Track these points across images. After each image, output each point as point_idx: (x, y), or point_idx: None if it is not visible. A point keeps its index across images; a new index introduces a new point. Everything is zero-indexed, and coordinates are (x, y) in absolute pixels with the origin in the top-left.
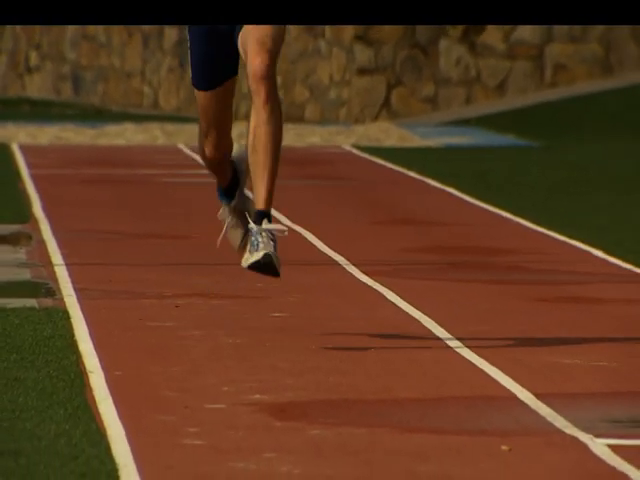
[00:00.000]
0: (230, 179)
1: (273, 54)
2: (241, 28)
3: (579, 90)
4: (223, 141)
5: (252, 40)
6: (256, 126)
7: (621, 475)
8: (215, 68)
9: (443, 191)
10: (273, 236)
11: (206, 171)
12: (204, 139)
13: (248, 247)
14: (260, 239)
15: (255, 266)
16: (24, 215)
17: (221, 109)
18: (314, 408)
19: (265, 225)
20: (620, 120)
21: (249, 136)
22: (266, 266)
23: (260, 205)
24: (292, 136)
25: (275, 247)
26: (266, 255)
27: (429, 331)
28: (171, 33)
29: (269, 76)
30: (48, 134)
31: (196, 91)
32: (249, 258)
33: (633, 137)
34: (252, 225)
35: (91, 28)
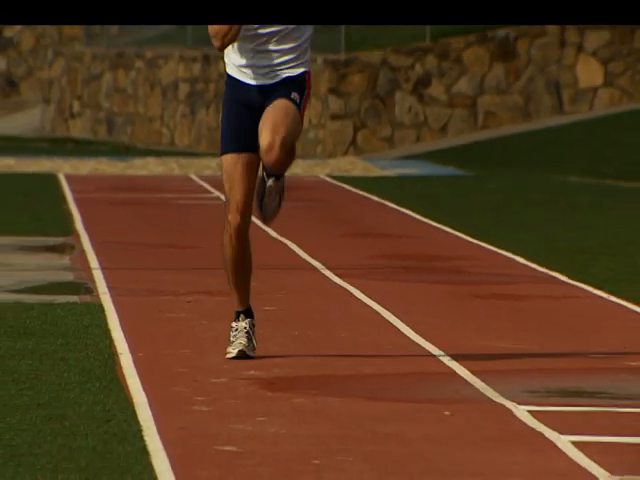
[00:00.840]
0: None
1: (285, 139)
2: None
3: (504, 132)
4: (247, 205)
5: (265, 127)
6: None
7: (538, 434)
8: (240, 136)
9: (398, 211)
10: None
11: (211, 194)
12: (231, 205)
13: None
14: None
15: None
16: (68, 230)
17: (244, 178)
18: (297, 382)
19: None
20: (537, 156)
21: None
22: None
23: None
24: None
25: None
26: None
27: (387, 321)
28: (184, 86)
29: (280, 163)
30: (87, 166)
31: (222, 158)
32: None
33: (546, 170)
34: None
35: (121, 82)
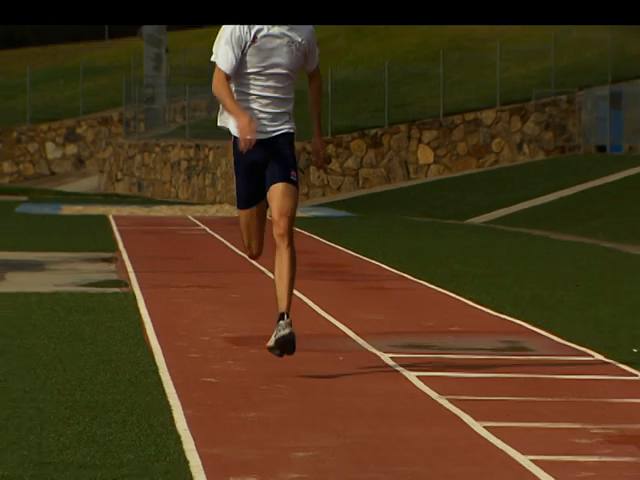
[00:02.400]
0: None
1: (291, 219)
2: (273, 179)
3: (375, 190)
4: (260, 243)
5: (275, 209)
6: (279, 262)
7: (396, 371)
8: (252, 193)
9: (312, 237)
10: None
11: (199, 227)
12: (248, 244)
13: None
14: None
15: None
16: (114, 248)
17: (257, 222)
18: (252, 340)
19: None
20: (394, 205)
21: (275, 268)
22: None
23: (282, 308)
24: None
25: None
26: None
27: (311, 308)
28: (184, 163)
29: (288, 234)
30: (125, 210)
31: (239, 211)
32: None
33: (400, 213)
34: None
35: (146, 160)
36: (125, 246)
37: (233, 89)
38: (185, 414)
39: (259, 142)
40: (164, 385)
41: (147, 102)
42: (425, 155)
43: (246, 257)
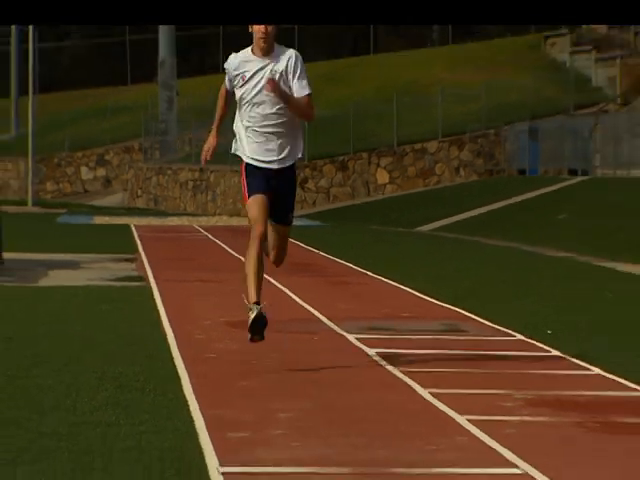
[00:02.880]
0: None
1: (284, 252)
2: (274, 216)
3: (343, 204)
4: (265, 222)
5: (273, 240)
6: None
7: (359, 348)
8: (261, 186)
9: (293, 242)
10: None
11: (202, 234)
12: (256, 222)
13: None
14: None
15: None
16: (134, 250)
17: (263, 207)
18: (243, 324)
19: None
20: (358, 216)
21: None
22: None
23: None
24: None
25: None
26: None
27: (292, 298)
28: (191, 183)
29: (281, 262)
30: (144, 221)
31: (248, 199)
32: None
33: (363, 222)
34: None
35: (161, 180)
36: (143, 249)
37: (240, 125)
38: (191, 383)
39: (269, 170)
40: (174, 360)
41: (161, 134)
42: (382, 177)
43: (255, 236)
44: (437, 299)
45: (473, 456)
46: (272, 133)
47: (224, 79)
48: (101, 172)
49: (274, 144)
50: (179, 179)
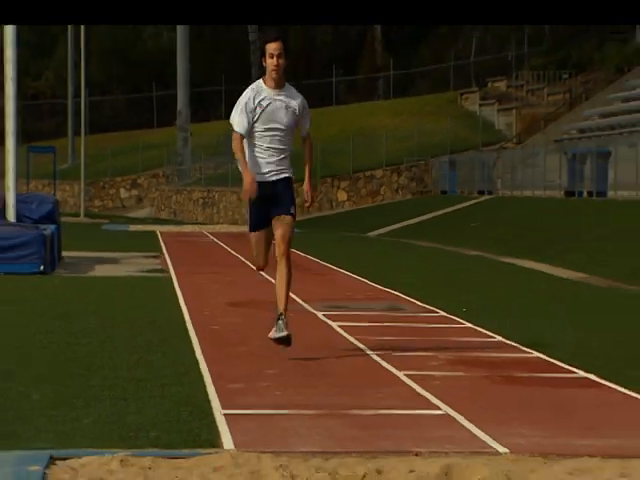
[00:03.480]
0: None
1: (289, 242)
2: (277, 212)
3: (315, 216)
4: (265, 259)
5: (278, 234)
6: (279, 273)
7: (326, 324)
8: (260, 221)
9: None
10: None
11: (209, 238)
12: (256, 259)
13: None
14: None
15: (278, 340)
16: (159, 249)
17: (264, 243)
18: (245, 304)
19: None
20: (330, 225)
21: (276, 278)
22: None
23: (280, 309)
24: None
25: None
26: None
27: (273, 284)
28: (201, 200)
29: (286, 253)
30: (166, 228)
31: (250, 234)
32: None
33: (334, 230)
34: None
35: (178, 198)
36: (166, 249)
37: (246, 144)
38: (200, 347)
39: (267, 184)
40: (188, 330)
41: (179, 165)
42: (342, 195)
43: (254, 268)
44: (382, 286)
45: (408, 401)
46: (276, 151)
47: (236, 128)
48: (134, 192)
49: (275, 159)
50: (192, 197)
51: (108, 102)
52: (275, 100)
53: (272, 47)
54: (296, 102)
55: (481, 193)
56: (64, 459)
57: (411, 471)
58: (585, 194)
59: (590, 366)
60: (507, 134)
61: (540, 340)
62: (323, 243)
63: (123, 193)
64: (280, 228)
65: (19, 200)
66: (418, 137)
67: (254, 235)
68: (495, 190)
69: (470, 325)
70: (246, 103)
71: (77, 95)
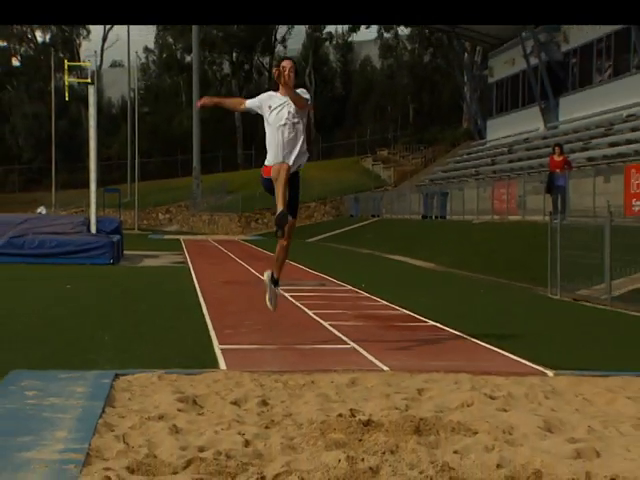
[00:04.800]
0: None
1: (290, 237)
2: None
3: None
4: (288, 171)
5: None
6: (279, 249)
7: (287, 298)
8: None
9: (254, 247)
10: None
11: (213, 243)
12: (281, 172)
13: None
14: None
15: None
16: (181, 250)
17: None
18: (240, 283)
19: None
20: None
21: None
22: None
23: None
24: None
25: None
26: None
27: (254, 273)
28: (207, 220)
29: (288, 241)
30: (186, 237)
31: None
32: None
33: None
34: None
35: (194, 219)
36: (186, 249)
37: (269, 137)
38: (208, 310)
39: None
40: (198, 297)
41: (193, 199)
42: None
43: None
44: (314, 270)
45: (330, 340)
46: (288, 142)
47: (248, 100)
48: (167, 215)
49: (289, 149)
50: (202, 219)
51: (152, 162)
52: (283, 103)
53: (285, 63)
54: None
55: (373, 216)
56: (124, 375)
57: (332, 381)
58: (433, 217)
59: (434, 318)
60: (388, 182)
61: (406, 302)
62: (276, 243)
63: (160, 216)
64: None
65: (98, 220)
66: (336, 183)
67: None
68: (381, 215)
69: (366, 294)
70: (262, 97)
71: (133, 157)
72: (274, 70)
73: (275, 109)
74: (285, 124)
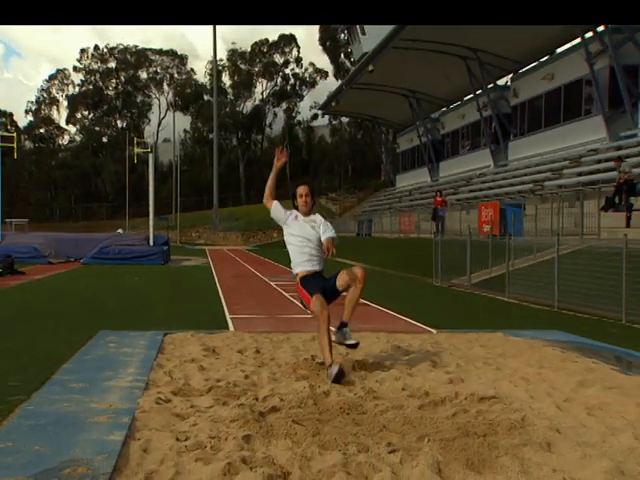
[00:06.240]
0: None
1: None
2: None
3: (263, 242)
4: (327, 309)
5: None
6: (353, 291)
7: (268, 283)
8: (316, 285)
9: (246, 253)
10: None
11: (226, 252)
12: (322, 312)
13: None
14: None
15: (350, 346)
16: (205, 256)
17: (322, 300)
18: (244, 276)
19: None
20: (268, 246)
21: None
22: (354, 346)
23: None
24: None
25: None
26: (356, 343)
27: (249, 269)
28: (223, 236)
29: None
30: (209, 247)
31: (311, 298)
32: (345, 342)
33: (264, 248)
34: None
35: (213, 235)
36: (209, 255)
37: (294, 253)
38: (222, 293)
39: (316, 272)
40: (217, 286)
41: (213, 224)
42: (274, 234)
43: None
44: (289, 268)
45: (300, 312)
46: (312, 254)
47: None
48: (197, 234)
49: (314, 258)
50: (219, 236)
51: (187, 200)
52: (305, 221)
53: (301, 189)
54: (318, 220)
55: None
56: (169, 334)
57: (300, 338)
58: (363, 235)
59: (373, 300)
60: (336, 213)
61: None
62: (268, 252)
63: (193, 234)
64: (351, 272)
65: (154, 237)
66: None
67: (315, 296)
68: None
69: None
70: (285, 211)
71: (176, 198)
72: (296, 199)
73: (295, 228)
74: (309, 239)
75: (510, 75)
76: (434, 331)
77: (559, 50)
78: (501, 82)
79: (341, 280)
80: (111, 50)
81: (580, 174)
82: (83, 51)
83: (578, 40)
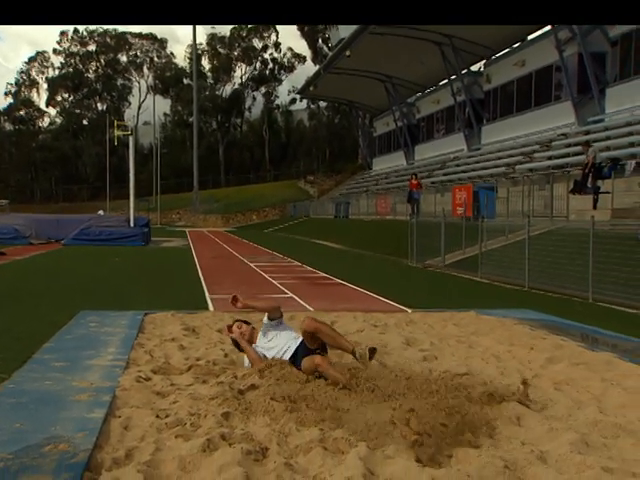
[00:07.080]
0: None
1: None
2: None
3: (241, 224)
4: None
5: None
6: (325, 335)
7: (247, 264)
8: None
9: (229, 235)
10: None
11: (206, 233)
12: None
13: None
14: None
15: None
16: (186, 237)
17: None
18: (227, 257)
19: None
20: (251, 227)
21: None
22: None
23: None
24: None
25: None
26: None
27: (231, 252)
28: (203, 218)
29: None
30: (189, 229)
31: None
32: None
33: (254, 229)
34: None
35: (194, 217)
36: (189, 237)
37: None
38: (202, 273)
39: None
40: (197, 266)
41: (194, 206)
42: (254, 217)
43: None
44: (268, 249)
45: (277, 292)
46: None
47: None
48: (177, 215)
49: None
50: (199, 217)
51: (168, 182)
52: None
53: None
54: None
55: (305, 217)
56: (150, 313)
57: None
58: (341, 217)
59: (341, 278)
60: (314, 195)
61: (324, 268)
62: (247, 234)
63: (173, 216)
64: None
65: (135, 219)
66: (281, 196)
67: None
68: (309, 215)
69: (299, 263)
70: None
71: (156, 180)
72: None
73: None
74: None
75: (483, 61)
76: (409, 310)
77: (530, 37)
78: (474, 68)
79: (306, 361)
80: (91, 33)
81: (550, 158)
82: (63, 34)
83: (548, 28)
